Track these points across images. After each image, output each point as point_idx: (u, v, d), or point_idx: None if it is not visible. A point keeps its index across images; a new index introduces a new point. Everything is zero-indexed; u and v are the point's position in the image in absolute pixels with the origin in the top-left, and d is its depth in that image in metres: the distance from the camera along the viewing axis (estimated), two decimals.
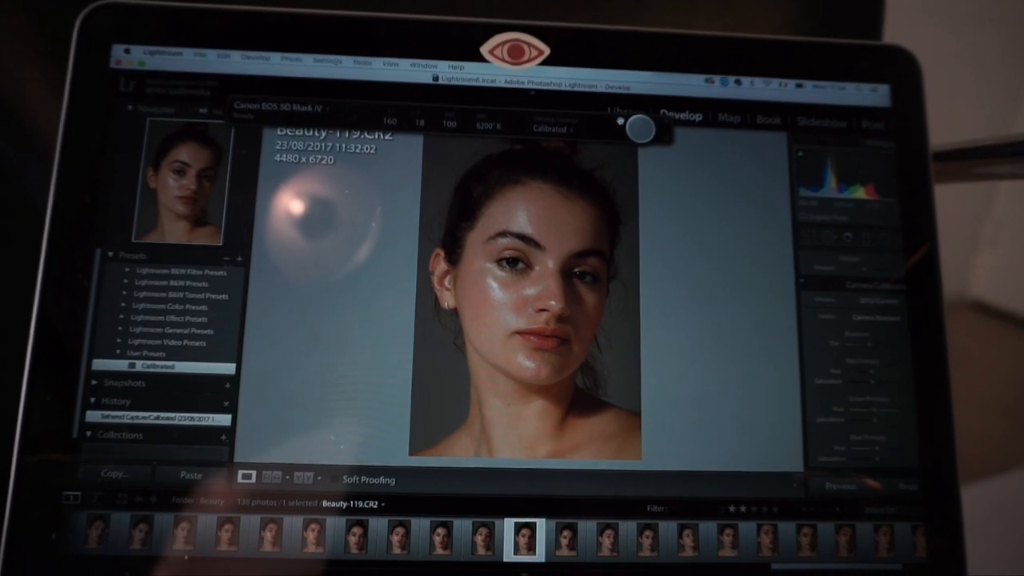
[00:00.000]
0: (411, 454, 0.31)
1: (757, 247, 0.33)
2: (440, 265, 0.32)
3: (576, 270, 0.32)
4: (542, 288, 0.31)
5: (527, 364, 0.31)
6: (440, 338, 0.32)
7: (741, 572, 0.31)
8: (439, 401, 0.31)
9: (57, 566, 0.29)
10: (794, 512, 0.31)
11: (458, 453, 0.31)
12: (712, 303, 0.33)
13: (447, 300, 0.32)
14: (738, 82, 0.35)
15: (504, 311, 0.31)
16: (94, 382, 0.30)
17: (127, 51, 0.32)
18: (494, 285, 0.32)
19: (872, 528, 0.32)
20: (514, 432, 0.31)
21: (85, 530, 0.29)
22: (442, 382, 0.31)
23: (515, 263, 0.32)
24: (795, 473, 0.32)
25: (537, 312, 0.31)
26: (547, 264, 0.32)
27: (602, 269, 0.32)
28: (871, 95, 0.35)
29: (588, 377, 0.32)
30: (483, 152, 0.33)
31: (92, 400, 0.30)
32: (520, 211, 0.32)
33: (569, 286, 0.32)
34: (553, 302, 0.31)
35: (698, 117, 0.34)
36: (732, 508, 0.31)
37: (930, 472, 0.32)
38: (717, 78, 0.35)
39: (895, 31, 0.46)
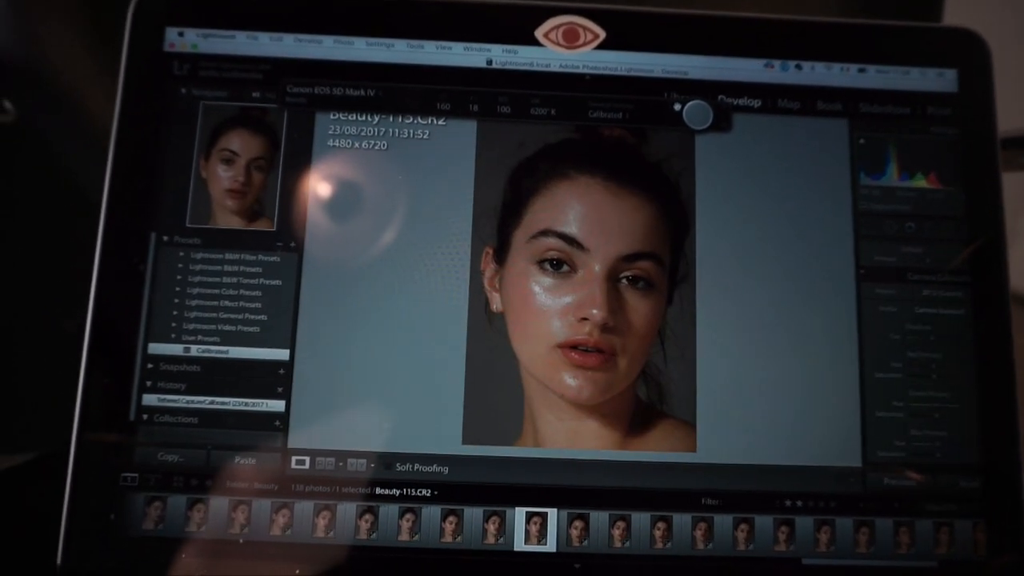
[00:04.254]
0: (464, 431, 0.30)
1: (816, 237, 0.32)
2: (490, 265, 0.31)
3: (625, 275, 0.30)
4: (584, 295, 0.29)
5: (569, 383, 0.29)
6: (492, 342, 0.31)
7: (773, 566, 0.30)
8: (492, 408, 0.30)
9: (116, 547, 0.29)
10: (852, 508, 0.31)
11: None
12: (770, 293, 0.32)
13: (496, 302, 0.31)
14: (798, 67, 0.34)
15: (545, 320, 0.29)
16: (150, 366, 0.30)
17: (180, 34, 0.32)
18: (535, 290, 0.30)
19: (931, 525, 0.31)
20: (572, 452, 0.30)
21: (143, 512, 0.29)
22: (495, 389, 0.30)
23: (558, 266, 0.30)
24: (853, 468, 0.31)
25: (579, 321, 0.29)
26: (592, 268, 0.29)
27: (657, 274, 0.30)
28: (937, 80, 0.34)
29: (653, 390, 0.30)
30: (536, 142, 0.32)
31: (148, 384, 0.30)
32: (564, 208, 0.30)
33: (615, 293, 0.30)
34: (595, 311, 0.29)
35: (757, 103, 0.33)
36: (788, 503, 0.31)
37: (992, 469, 0.31)
38: (777, 63, 0.34)
39: (955, 11, 0.45)
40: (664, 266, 0.30)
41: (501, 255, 0.31)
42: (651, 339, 0.30)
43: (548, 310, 0.29)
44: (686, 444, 0.30)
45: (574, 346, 0.29)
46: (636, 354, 0.30)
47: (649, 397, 0.31)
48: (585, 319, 0.29)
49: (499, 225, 0.31)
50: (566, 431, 0.30)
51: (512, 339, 0.30)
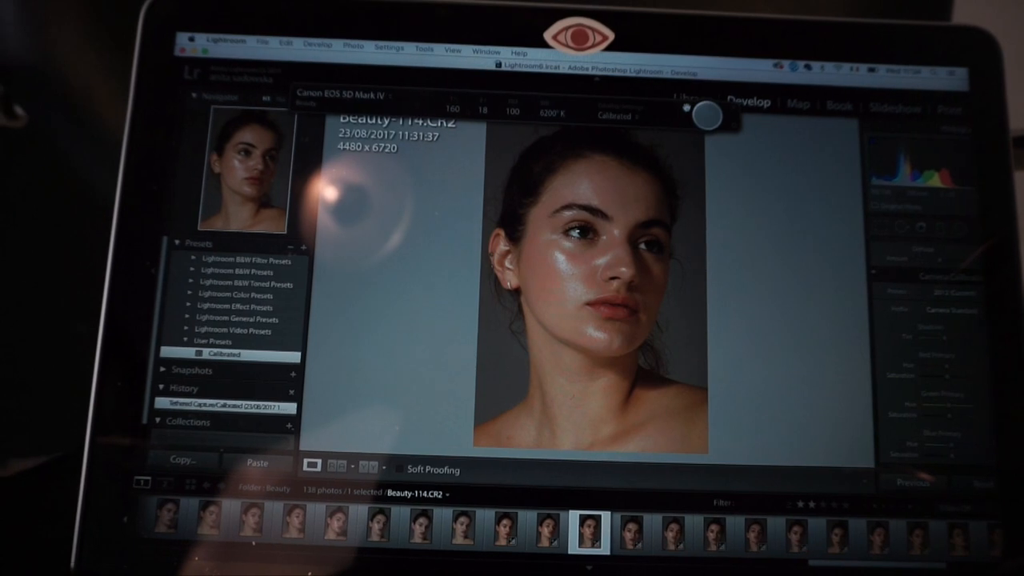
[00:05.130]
0: (475, 432, 0.30)
1: (827, 237, 0.32)
2: (500, 245, 0.32)
3: (642, 241, 0.32)
4: (611, 257, 0.31)
5: (598, 335, 0.31)
6: (502, 321, 0.32)
7: (779, 567, 0.30)
8: (500, 383, 0.31)
9: (129, 549, 0.29)
10: (864, 509, 0.31)
11: (518, 433, 0.31)
12: (781, 294, 0.32)
13: (509, 280, 0.32)
14: (808, 67, 0.34)
15: (573, 282, 0.31)
16: (162, 369, 0.30)
17: (191, 39, 0.32)
18: (561, 257, 0.31)
19: (946, 526, 0.31)
20: (578, 410, 0.31)
21: (155, 514, 0.30)
22: (503, 366, 0.31)
23: (582, 234, 0.31)
24: (866, 469, 0.31)
25: (607, 281, 0.31)
26: (614, 233, 0.31)
27: (666, 240, 0.32)
28: (948, 79, 0.34)
29: (650, 356, 0.32)
30: (542, 132, 0.33)
31: (161, 387, 0.30)
32: (584, 183, 0.32)
33: (637, 255, 0.31)
34: (624, 269, 0.31)
35: (766, 103, 0.33)
36: (800, 504, 0.31)
37: (1007, 469, 0.31)
38: (786, 63, 0.34)
39: (964, 10, 0.44)
40: (670, 233, 0.32)
41: (515, 233, 0.32)
42: (662, 297, 0.32)
43: (576, 273, 0.31)
44: (687, 403, 0.31)
45: (603, 303, 0.31)
46: (652, 311, 0.32)
47: (648, 363, 0.32)
48: (615, 278, 0.31)
49: (509, 206, 0.32)
50: (575, 392, 0.31)
51: (534, 306, 0.32)
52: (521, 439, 0.31)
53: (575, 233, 0.31)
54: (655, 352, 0.32)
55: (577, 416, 0.31)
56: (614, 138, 0.33)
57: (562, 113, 0.33)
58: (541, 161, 0.32)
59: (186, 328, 0.31)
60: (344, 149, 0.32)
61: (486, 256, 0.32)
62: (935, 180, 0.33)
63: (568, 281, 0.31)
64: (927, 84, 0.34)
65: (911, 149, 0.33)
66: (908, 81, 0.34)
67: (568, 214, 0.32)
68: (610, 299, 0.31)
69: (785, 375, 0.31)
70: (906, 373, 0.32)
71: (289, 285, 0.31)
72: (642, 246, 0.32)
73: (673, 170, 0.33)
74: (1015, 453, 0.31)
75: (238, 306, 0.31)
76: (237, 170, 0.32)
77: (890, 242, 0.33)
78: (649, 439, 0.31)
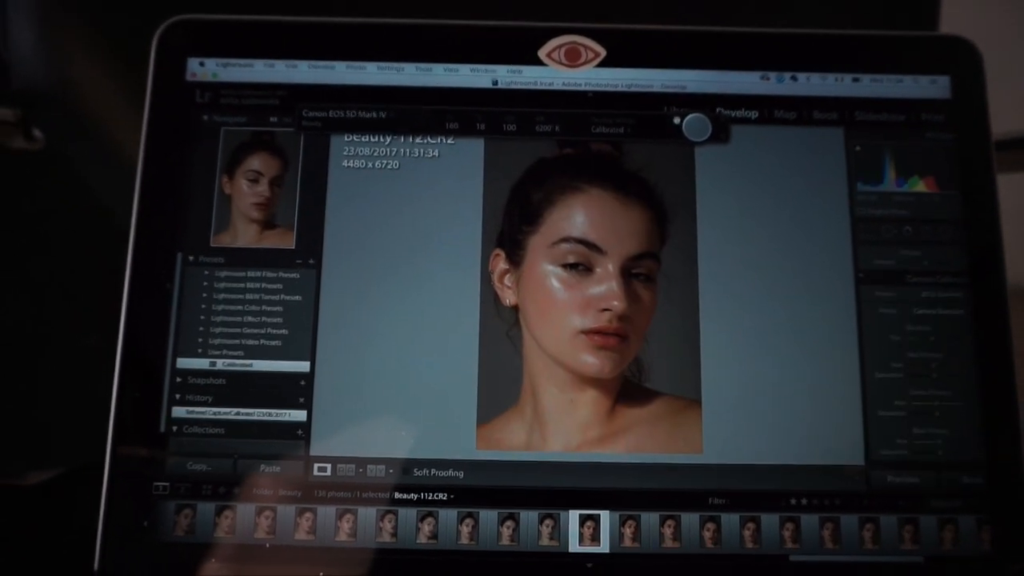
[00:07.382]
0: (478, 432, 0.32)
1: (816, 243, 0.33)
2: (500, 265, 0.33)
3: (633, 271, 0.33)
4: (605, 289, 0.33)
5: (591, 361, 0.33)
6: (501, 331, 0.33)
7: (762, 563, 0.31)
8: (497, 388, 0.32)
9: (149, 553, 0.31)
10: (856, 505, 0.32)
11: (508, 437, 0.32)
12: (771, 299, 0.33)
13: (508, 297, 0.33)
14: (794, 78, 0.35)
15: (568, 311, 0.33)
16: (179, 380, 0.32)
17: (201, 64, 0.34)
18: (558, 287, 0.33)
19: (936, 522, 0.32)
20: (568, 417, 0.33)
21: (174, 519, 0.31)
22: (500, 371, 0.33)
23: (578, 266, 0.33)
24: (856, 466, 0.32)
25: (600, 312, 0.33)
26: (608, 267, 0.33)
27: (655, 269, 0.34)
28: (930, 87, 0.35)
29: (633, 367, 0.33)
30: (539, 156, 0.34)
31: (177, 397, 0.32)
32: (581, 217, 0.33)
33: (628, 286, 0.33)
34: (616, 302, 0.32)
35: (754, 114, 0.34)
36: (794, 501, 0.32)
37: (995, 465, 0.32)
38: (773, 75, 0.35)
39: (952, 19, 0.45)
40: (660, 262, 0.34)
41: (515, 258, 0.34)
42: (651, 318, 0.33)
43: (571, 302, 0.33)
44: (671, 411, 0.33)
45: (597, 332, 0.33)
46: (640, 332, 0.33)
47: (633, 375, 0.33)
48: (607, 309, 0.33)
49: (509, 230, 0.34)
50: (565, 402, 0.33)
51: (532, 328, 0.33)
52: (512, 442, 0.32)
53: (571, 265, 0.33)
54: (639, 364, 0.33)
55: (567, 421, 0.33)
56: (609, 171, 0.34)
57: (557, 128, 0.34)
58: (541, 191, 0.34)
59: (200, 340, 0.32)
60: (349, 167, 0.34)
61: (485, 266, 0.33)
62: (920, 185, 0.34)
63: (564, 309, 0.33)
64: (910, 92, 0.35)
65: (896, 155, 0.34)
66: (892, 90, 0.35)
67: (565, 247, 0.33)
68: (603, 328, 0.33)
69: (777, 377, 0.32)
70: (894, 373, 0.33)
71: (298, 298, 0.33)
72: (633, 276, 0.33)
73: (665, 198, 0.34)
74: (1002, 449, 0.32)
75: (249, 318, 0.32)
76: (246, 195, 0.33)
77: (877, 246, 0.34)
78: (633, 441, 0.32)
